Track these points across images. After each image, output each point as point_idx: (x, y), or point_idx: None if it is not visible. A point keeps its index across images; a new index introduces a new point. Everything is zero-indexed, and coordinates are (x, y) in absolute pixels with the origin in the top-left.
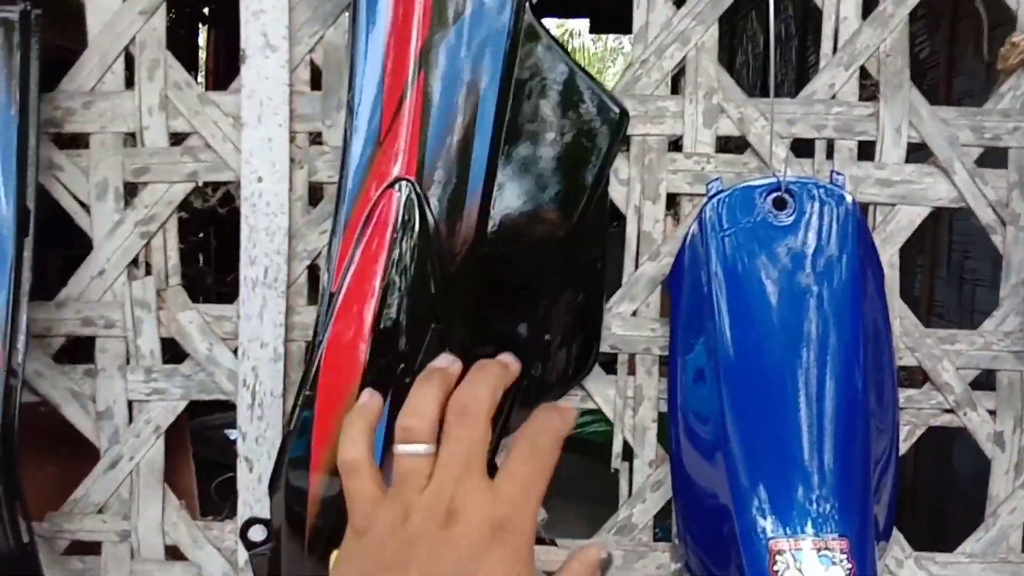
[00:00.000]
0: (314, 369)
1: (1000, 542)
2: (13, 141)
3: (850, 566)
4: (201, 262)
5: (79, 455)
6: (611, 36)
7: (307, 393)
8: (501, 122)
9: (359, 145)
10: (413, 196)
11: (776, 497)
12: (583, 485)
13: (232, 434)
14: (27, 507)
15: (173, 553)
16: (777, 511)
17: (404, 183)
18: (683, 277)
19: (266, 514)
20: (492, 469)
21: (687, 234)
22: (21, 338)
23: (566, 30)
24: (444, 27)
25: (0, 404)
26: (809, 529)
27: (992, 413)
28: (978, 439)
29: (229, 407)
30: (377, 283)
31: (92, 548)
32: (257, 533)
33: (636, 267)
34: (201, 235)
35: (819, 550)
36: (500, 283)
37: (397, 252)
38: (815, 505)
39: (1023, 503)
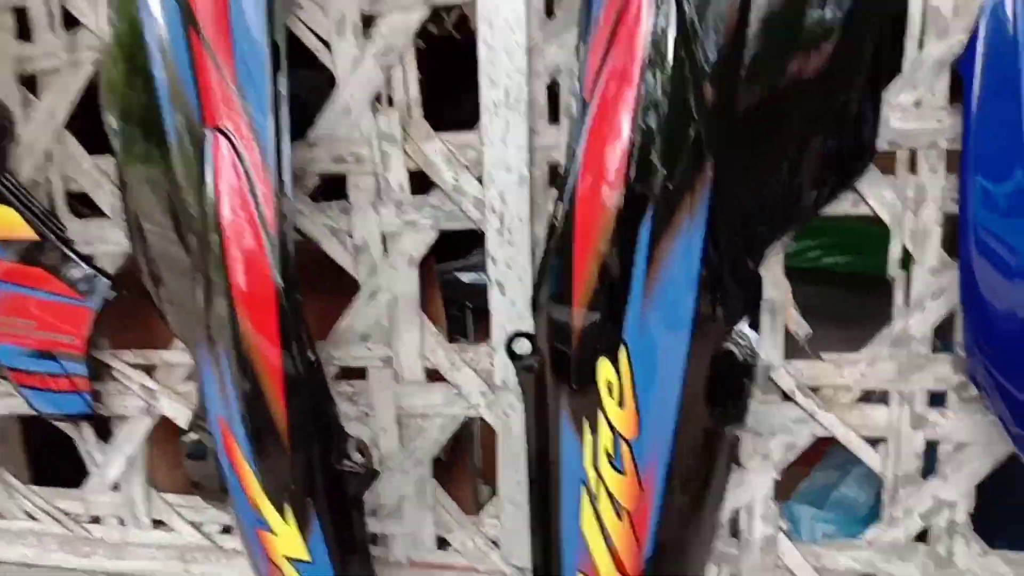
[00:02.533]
0: (570, 185)
1: None
2: None
3: None
4: None
5: (339, 288)
6: None
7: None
8: None
9: None
10: None
11: None
12: (827, 312)
13: (464, 277)
14: (309, 331)
15: (432, 376)
16: None
17: None
18: (975, 57)
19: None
20: None
21: (988, 7)
22: (287, 177)
23: None
24: None
25: (277, 240)
26: None
27: None
28: None
29: (462, 255)
30: (633, 91)
31: (358, 373)
32: (522, 346)
33: (920, 48)
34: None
35: None
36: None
37: (652, 51)
38: None
39: None
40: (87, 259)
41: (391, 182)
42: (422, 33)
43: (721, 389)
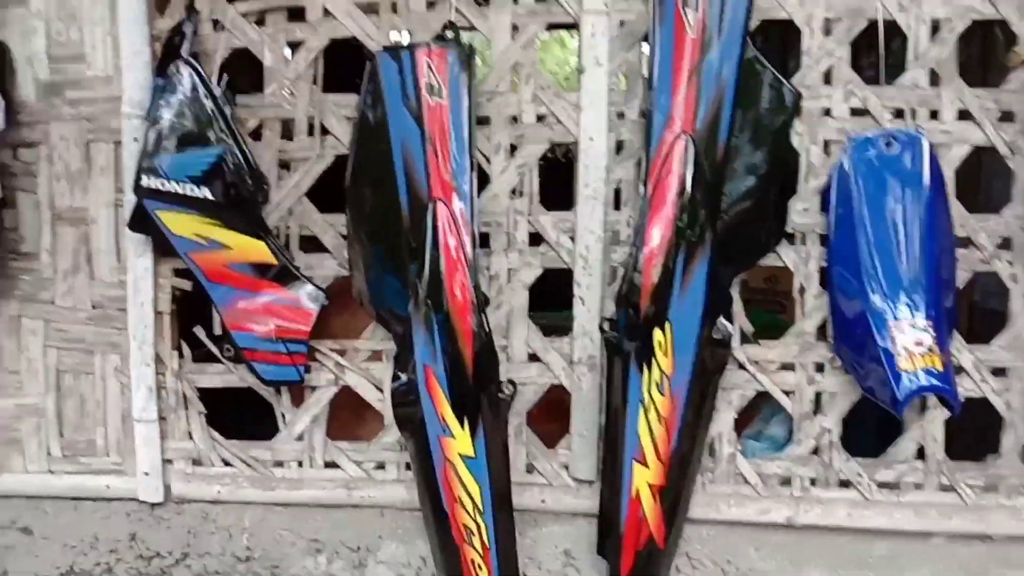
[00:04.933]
0: (640, 234)
1: (1018, 335)
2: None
3: (934, 334)
4: None
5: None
6: None
7: (635, 247)
8: (736, 102)
9: (659, 115)
10: (690, 142)
11: (892, 302)
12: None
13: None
14: (486, 314)
15: (532, 357)
16: (893, 309)
17: (684, 135)
18: (832, 186)
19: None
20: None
21: (838, 163)
22: (476, 230)
23: None
24: (704, 51)
25: (472, 265)
26: (910, 315)
27: (1010, 263)
28: (1002, 277)
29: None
30: (674, 185)
31: None
32: (608, 325)
33: (805, 182)
34: None
35: (915, 326)
36: (733, 187)
37: (683, 170)
38: (913, 303)
39: None
40: (309, 279)
41: (517, 238)
42: (543, 156)
43: (713, 350)
